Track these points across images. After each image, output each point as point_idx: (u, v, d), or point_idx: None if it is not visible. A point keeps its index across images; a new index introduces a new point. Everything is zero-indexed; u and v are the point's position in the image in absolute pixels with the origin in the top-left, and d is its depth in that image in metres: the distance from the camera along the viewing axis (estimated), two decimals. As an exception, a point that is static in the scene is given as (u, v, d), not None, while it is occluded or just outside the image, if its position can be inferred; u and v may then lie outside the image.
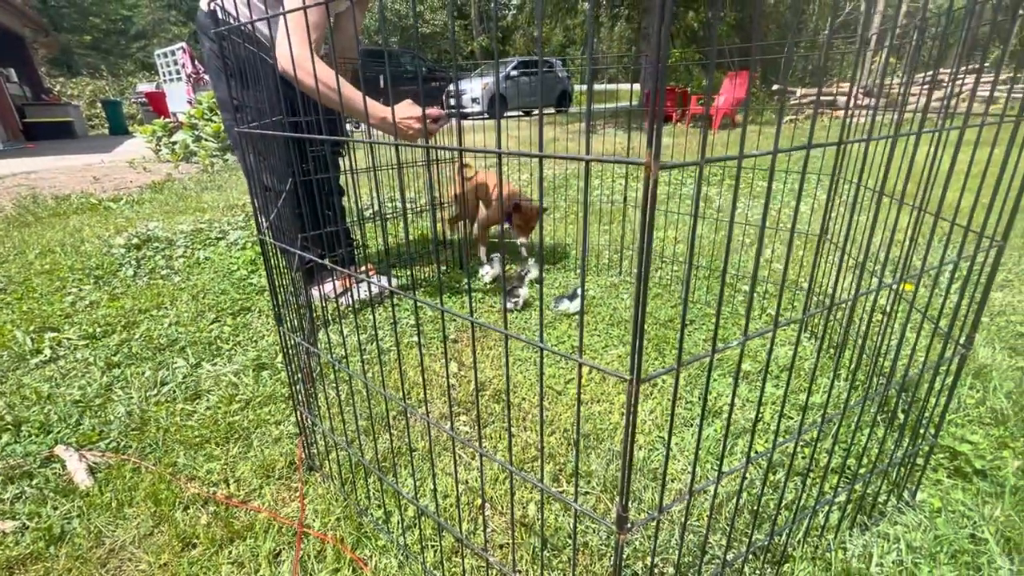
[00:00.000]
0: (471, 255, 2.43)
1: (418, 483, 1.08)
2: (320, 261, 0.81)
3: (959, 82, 0.87)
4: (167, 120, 7.17)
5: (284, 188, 1.46)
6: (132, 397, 1.38)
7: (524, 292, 1.92)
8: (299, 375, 1.12)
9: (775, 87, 9.75)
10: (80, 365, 1.55)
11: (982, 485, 1.00)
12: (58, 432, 1.25)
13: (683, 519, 0.88)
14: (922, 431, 0.95)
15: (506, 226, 2.40)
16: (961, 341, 0.88)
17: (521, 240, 2.27)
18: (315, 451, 1.14)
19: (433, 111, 1.74)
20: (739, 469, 0.63)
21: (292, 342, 1.02)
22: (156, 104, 10.95)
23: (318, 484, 1.08)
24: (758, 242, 0.50)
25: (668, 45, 0.38)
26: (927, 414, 0.94)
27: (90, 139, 10.22)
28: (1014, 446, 1.09)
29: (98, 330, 1.75)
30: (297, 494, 1.05)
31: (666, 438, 1.19)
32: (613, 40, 19.66)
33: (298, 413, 1.07)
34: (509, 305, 1.90)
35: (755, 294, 1.98)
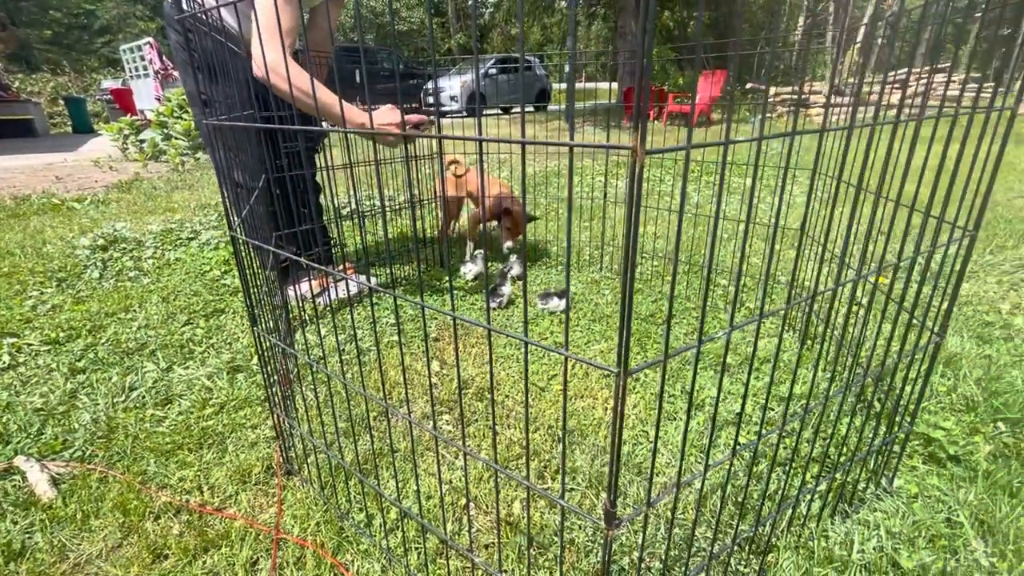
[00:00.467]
0: (451, 251, 2.41)
1: (401, 484, 1.06)
2: (296, 259, 0.78)
3: (928, 80, 0.88)
4: (134, 118, 6.94)
5: (256, 185, 1.42)
6: (98, 404, 1.32)
7: (507, 290, 1.90)
8: (275, 377, 1.09)
9: (748, 85, 9.93)
10: (42, 372, 1.48)
11: (956, 470, 1.03)
12: (18, 442, 1.19)
13: (671, 513, 0.88)
14: (898, 419, 0.97)
15: (494, 224, 2.38)
16: (935, 330, 0.89)
17: (507, 244, 2.26)
18: (293, 455, 1.11)
19: (414, 117, 1.70)
20: (724, 461, 0.63)
21: (267, 343, 0.98)
22: (122, 101, 10.60)
23: (297, 489, 1.04)
24: (743, 236, 0.50)
25: (653, 33, 0.37)
26: (903, 402, 0.95)
27: (52, 137, 9.82)
28: (984, 431, 1.12)
29: (61, 335, 1.67)
30: (275, 500, 1.02)
31: (650, 431, 1.19)
32: (590, 39, 19.77)
33: (275, 416, 1.04)
34: (493, 304, 1.89)
35: (732, 287, 2.01)
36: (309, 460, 1.11)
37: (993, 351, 1.47)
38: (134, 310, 1.87)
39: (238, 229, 0.91)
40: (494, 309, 1.89)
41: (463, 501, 1.01)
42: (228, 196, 0.91)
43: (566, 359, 0.45)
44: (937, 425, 1.12)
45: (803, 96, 8.77)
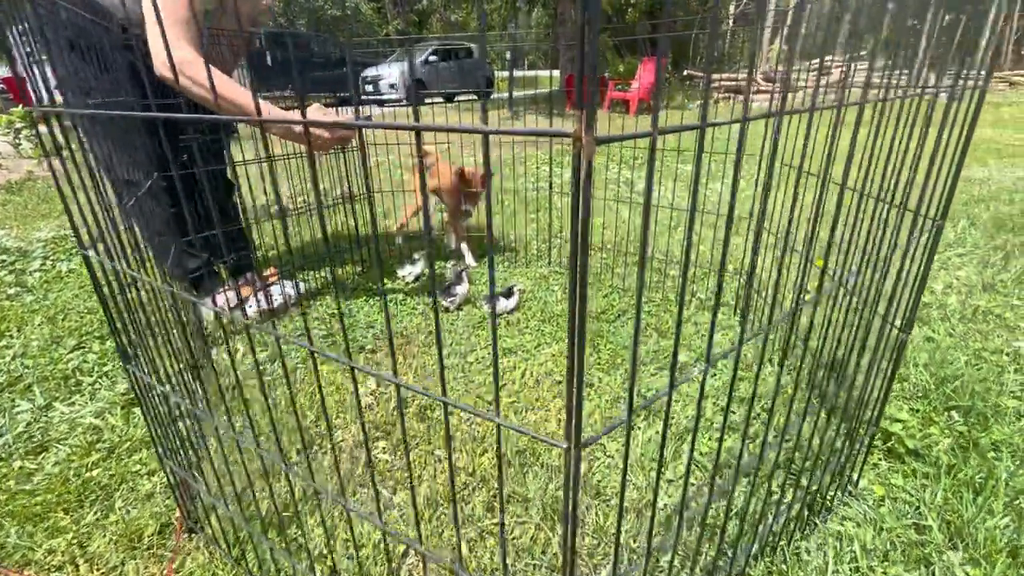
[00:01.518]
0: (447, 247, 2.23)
1: (329, 529, 0.91)
2: (196, 273, 0.62)
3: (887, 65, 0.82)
4: (29, 109, 6.16)
5: (143, 180, 1.20)
6: (-51, 459, 1.09)
7: (462, 290, 1.75)
8: (169, 419, 0.91)
9: (686, 72, 10.15)
10: None
11: (916, 465, 0.99)
12: None
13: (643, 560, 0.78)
14: (865, 418, 0.92)
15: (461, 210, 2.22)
16: (900, 325, 0.84)
17: (466, 208, 2.14)
18: (197, 506, 0.94)
19: (343, 117, 1.53)
20: (703, 505, 0.53)
21: (144, 384, 0.80)
22: (15, 90, 9.46)
23: (200, 550, 0.87)
24: (725, 231, 0.39)
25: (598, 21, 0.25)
26: (867, 399, 0.90)
27: (-70, 133, 8.62)
28: (938, 421, 1.11)
29: (-91, 372, 1.39)
30: (170, 568, 0.84)
31: (607, 444, 1.09)
32: (531, 26, 19.66)
33: (165, 467, 0.86)
34: (447, 303, 1.73)
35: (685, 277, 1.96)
36: (218, 512, 0.93)
37: (934, 333, 1.48)
38: (10, 335, 1.59)
39: (100, 245, 0.72)
40: (447, 310, 1.74)
41: (401, 548, 0.88)
42: (96, 200, 0.72)
43: (499, 427, 0.33)
44: (893, 417, 1.09)
45: (735, 83, 9.04)
